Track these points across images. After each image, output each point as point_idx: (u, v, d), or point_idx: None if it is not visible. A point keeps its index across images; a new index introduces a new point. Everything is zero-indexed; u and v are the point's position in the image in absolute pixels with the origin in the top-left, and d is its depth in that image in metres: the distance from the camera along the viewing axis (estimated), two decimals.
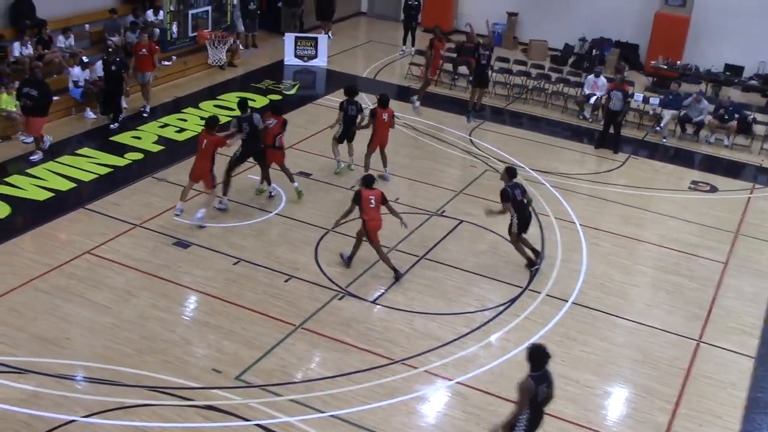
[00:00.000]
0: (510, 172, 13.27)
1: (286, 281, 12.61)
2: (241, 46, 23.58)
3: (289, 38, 23.70)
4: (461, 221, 14.85)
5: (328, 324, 11.68)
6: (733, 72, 23.31)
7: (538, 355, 8.33)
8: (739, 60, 23.46)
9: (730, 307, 13.05)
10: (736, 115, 19.93)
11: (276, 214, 14.64)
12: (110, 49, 18.23)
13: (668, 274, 13.88)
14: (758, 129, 20.04)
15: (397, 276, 12.81)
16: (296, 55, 23.61)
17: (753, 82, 23.15)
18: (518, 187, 13.14)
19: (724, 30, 24.34)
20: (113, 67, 17.57)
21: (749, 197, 17.21)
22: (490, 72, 20.23)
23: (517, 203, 13.04)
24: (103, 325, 11.21)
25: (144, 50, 18.55)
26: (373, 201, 12.59)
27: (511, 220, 13.18)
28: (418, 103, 19.78)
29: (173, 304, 11.90)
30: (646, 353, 11.65)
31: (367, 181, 12.85)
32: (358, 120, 16.17)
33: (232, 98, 20.09)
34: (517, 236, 13.27)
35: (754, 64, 23.53)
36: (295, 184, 15.18)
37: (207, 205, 14.03)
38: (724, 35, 24.30)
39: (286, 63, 23.53)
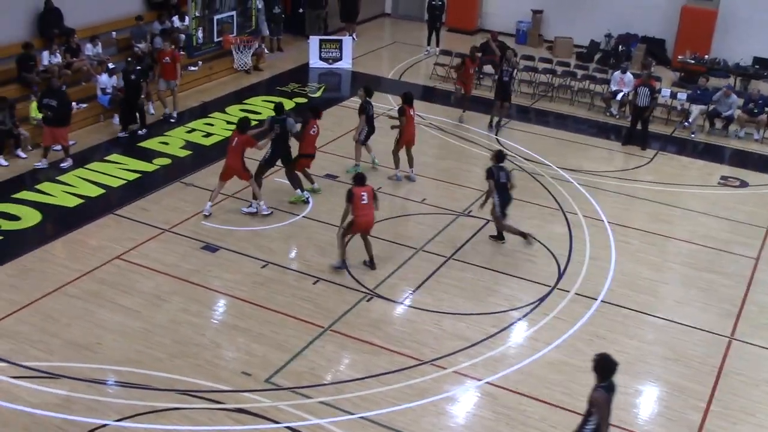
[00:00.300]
0: (498, 156, 14.02)
1: (314, 284, 12.65)
2: (266, 50, 23.72)
3: (314, 41, 23.79)
4: (488, 221, 14.78)
5: (357, 326, 11.70)
6: (762, 65, 23.00)
7: (606, 365, 8.14)
8: None
9: (762, 303, 12.90)
10: (766, 109, 19.71)
11: (303, 216, 14.69)
12: (129, 59, 18.33)
13: (699, 270, 13.75)
14: None
15: (339, 267, 12.99)
16: (321, 58, 23.69)
17: None
18: (503, 170, 13.78)
19: (752, 23, 24.06)
20: (132, 77, 17.66)
21: None
22: (512, 88, 19.80)
23: (500, 184, 13.62)
24: (135, 329, 11.32)
25: (167, 58, 18.69)
26: (365, 197, 12.73)
27: (493, 200, 13.71)
28: (462, 115, 19.78)
29: (203, 308, 11.99)
30: (678, 351, 11.55)
31: (359, 179, 12.99)
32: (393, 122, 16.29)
33: (258, 102, 20.25)
34: (501, 218, 13.83)
35: None
36: (315, 185, 15.39)
37: (257, 197, 14.42)
38: (752, 28, 24.00)
39: (311, 66, 23.62)
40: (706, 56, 23.55)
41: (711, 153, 19.01)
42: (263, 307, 11.99)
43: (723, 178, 17.48)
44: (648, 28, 25.51)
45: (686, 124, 20.02)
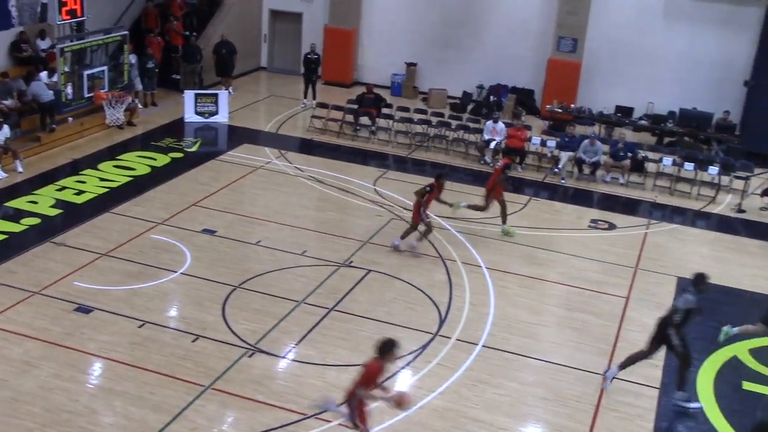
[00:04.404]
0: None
1: (193, 341, 12.33)
2: (140, 105, 23.31)
3: (189, 95, 23.55)
4: (369, 271, 14.86)
5: (239, 382, 11.46)
6: (624, 113, 24.25)
7: None
8: (628, 101, 24.44)
9: (634, 340, 13.34)
10: (630, 154, 20.72)
11: (181, 273, 14.37)
12: None
13: (574, 311, 14.17)
14: (650, 167, 20.87)
15: None
16: (197, 112, 23.44)
17: (643, 122, 24.11)
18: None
19: (613, 74, 25.41)
20: None
21: (646, 233, 17.79)
22: None
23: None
24: (1, 399, 10.72)
25: None
26: None
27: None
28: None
29: (77, 372, 11.48)
30: (556, 391, 11.81)
31: None
32: None
33: (132, 158, 19.81)
34: None
35: (643, 105, 24.56)
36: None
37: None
38: (613, 78, 25.35)
39: (186, 120, 23.32)
40: (573, 105, 24.62)
41: (581, 198, 19.76)
42: (141, 368, 11.59)
43: (593, 221, 18.17)
44: (517, 79, 26.52)
45: (556, 170, 20.78)
